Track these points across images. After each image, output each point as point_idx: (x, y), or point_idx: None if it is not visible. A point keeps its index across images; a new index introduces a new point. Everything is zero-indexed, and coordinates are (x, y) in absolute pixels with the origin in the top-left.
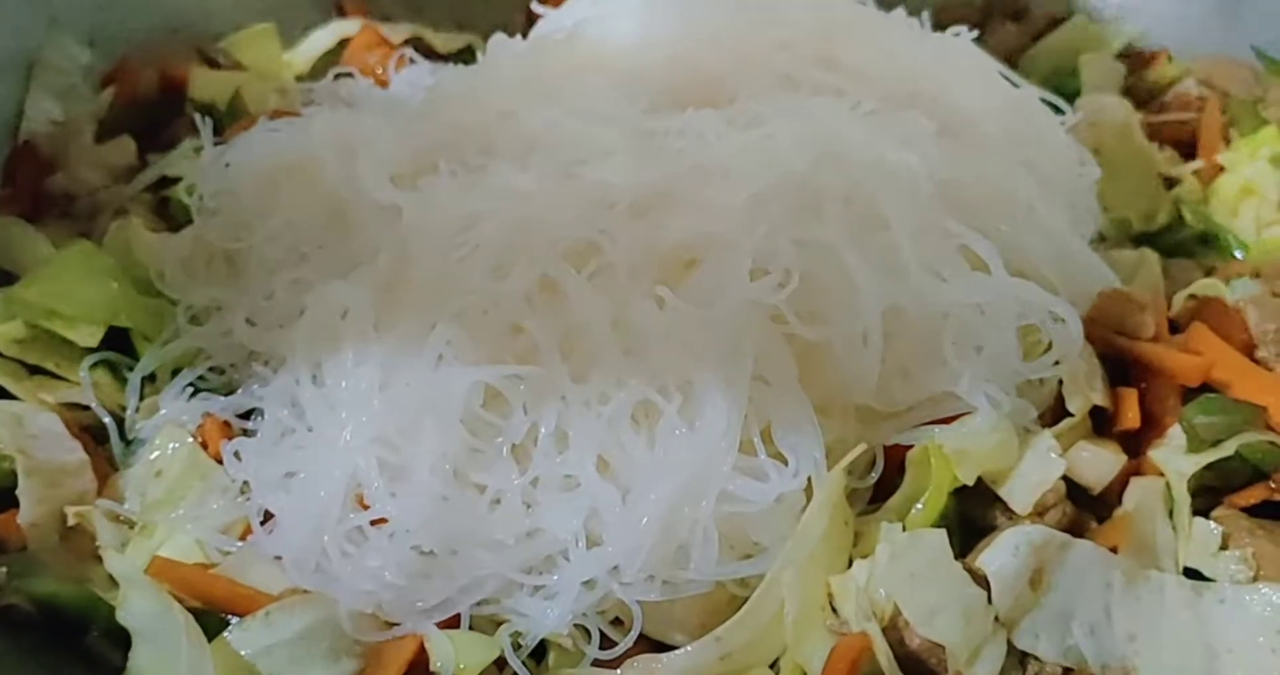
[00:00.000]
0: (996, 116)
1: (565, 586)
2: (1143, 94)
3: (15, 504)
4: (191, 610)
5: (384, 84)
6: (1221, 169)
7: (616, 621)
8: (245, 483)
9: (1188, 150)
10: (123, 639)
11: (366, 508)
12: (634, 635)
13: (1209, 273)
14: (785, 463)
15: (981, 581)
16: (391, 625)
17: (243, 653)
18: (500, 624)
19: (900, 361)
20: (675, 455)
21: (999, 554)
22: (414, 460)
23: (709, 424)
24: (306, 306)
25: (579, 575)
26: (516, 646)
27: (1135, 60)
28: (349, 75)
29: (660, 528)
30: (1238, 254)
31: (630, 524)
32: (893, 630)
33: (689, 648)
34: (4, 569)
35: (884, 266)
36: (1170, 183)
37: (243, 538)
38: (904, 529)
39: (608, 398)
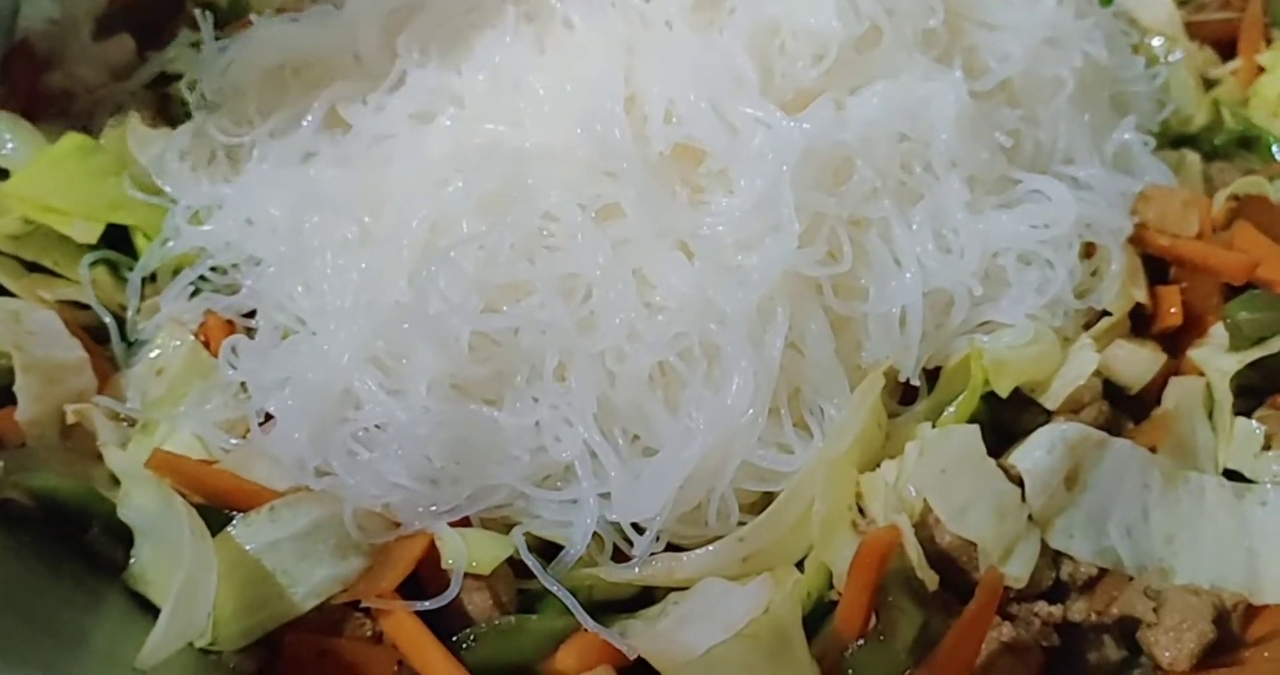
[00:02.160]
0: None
1: (582, 496)
2: None
3: (13, 401)
4: (193, 506)
5: None
6: (1261, 70)
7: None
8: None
9: (1227, 50)
10: (124, 535)
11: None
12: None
13: (1248, 175)
14: (810, 433)
15: (1015, 479)
16: (399, 524)
17: (247, 547)
18: (512, 525)
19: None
20: (697, 422)
21: (1033, 451)
22: (410, 379)
23: (735, 394)
24: (293, 221)
25: (594, 489)
26: (530, 547)
27: None
28: None
29: (675, 495)
30: (1278, 156)
31: (644, 491)
32: (923, 528)
33: (711, 547)
34: (1, 464)
35: (935, 242)
36: (1209, 84)
37: (244, 436)
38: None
39: (621, 353)
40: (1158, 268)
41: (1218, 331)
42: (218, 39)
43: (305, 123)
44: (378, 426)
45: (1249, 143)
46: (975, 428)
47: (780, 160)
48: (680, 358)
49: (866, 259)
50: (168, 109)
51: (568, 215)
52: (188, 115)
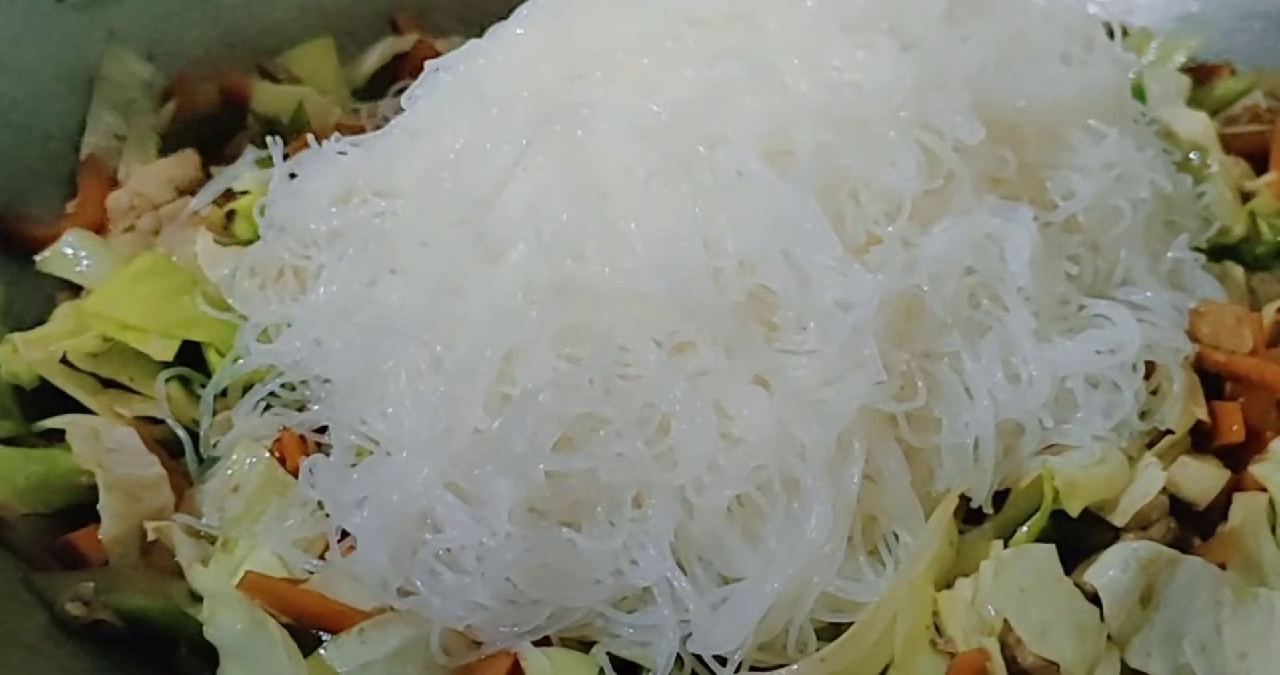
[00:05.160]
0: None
1: (662, 621)
2: (1209, 107)
3: (96, 519)
4: (281, 626)
5: None
6: None
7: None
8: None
9: (1259, 163)
10: (210, 655)
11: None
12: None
13: None
14: (883, 562)
15: (1091, 598)
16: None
17: (340, 670)
18: (591, 643)
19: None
20: (776, 555)
21: (1107, 569)
22: (489, 504)
23: (815, 526)
24: (364, 346)
25: (674, 616)
26: (615, 665)
27: (1199, 73)
28: None
29: (755, 628)
30: None
31: (724, 624)
32: (1004, 648)
33: (794, 667)
34: (92, 584)
35: (1004, 372)
36: (1245, 196)
37: (323, 555)
38: (1005, 546)
39: (700, 485)
40: (1213, 383)
41: (1277, 446)
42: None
43: (371, 251)
44: (461, 547)
45: None
46: (1051, 547)
47: (860, 312)
48: (759, 490)
49: (939, 391)
50: (234, 225)
51: (643, 349)
52: (255, 232)
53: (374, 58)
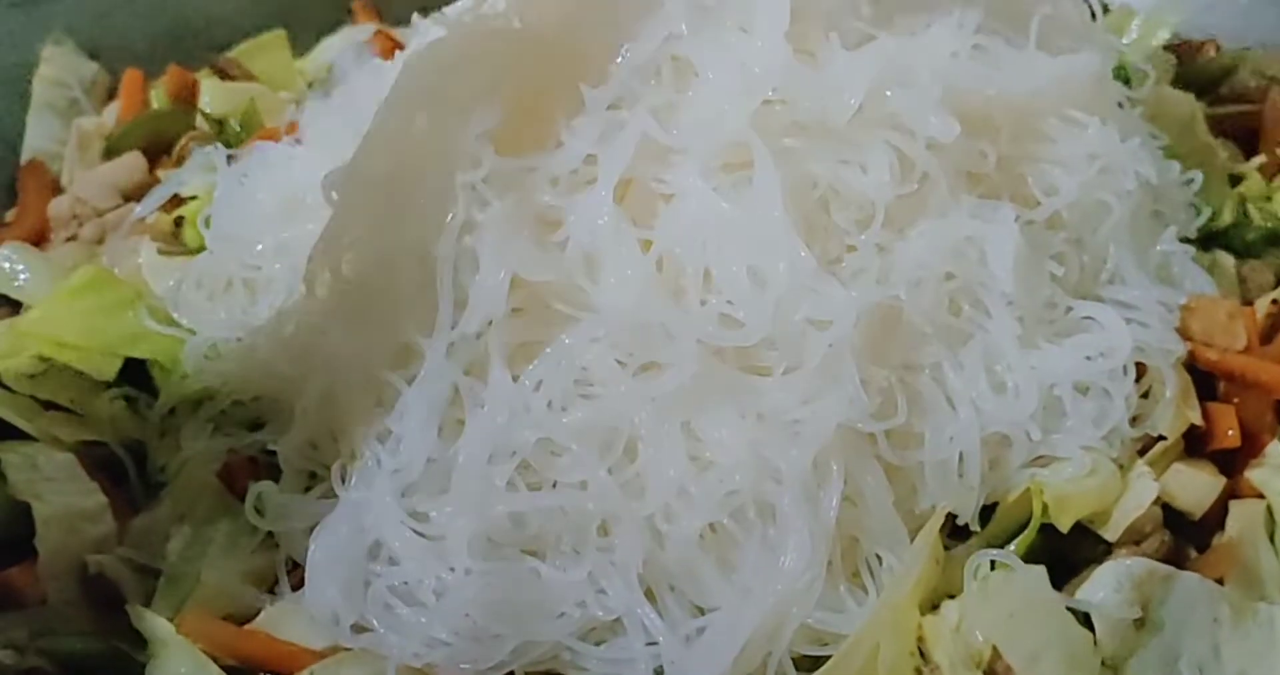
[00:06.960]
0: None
1: (636, 655)
2: (1194, 87)
3: (32, 553)
4: (228, 669)
5: None
6: None
7: None
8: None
9: (1247, 145)
10: None
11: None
12: None
13: None
14: (865, 589)
15: (1083, 620)
16: None
17: None
18: None
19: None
20: (752, 586)
21: (1099, 589)
22: (447, 537)
23: (792, 555)
24: (316, 365)
25: (646, 649)
26: None
27: (1183, 51)
28: None
29: (732, 663)
30: None
31: (698, 660)
32: None
33: None
34: (25, 630)
35: (989, 382)
36: (1234, 180)
37: (273, 588)
38: (993, 566)
39: (670, 513)
40: (1206, 382)
41: (1275, 450)
42: (229, 158)
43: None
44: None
45: (1278, 238)
46: (1041, 569)
47: (836, 330)
48: (733, 518)
49: (920, 405)
50: (182, 231)
51: (605, 369)
52: (201, 240)
53: (330, 49)
